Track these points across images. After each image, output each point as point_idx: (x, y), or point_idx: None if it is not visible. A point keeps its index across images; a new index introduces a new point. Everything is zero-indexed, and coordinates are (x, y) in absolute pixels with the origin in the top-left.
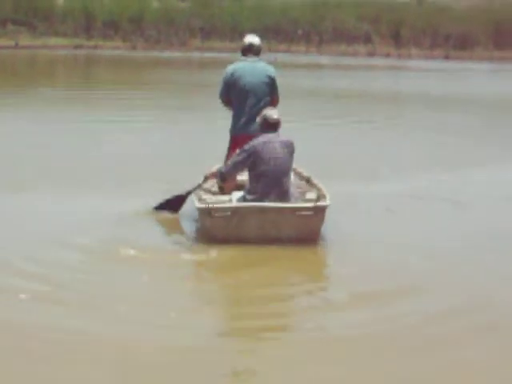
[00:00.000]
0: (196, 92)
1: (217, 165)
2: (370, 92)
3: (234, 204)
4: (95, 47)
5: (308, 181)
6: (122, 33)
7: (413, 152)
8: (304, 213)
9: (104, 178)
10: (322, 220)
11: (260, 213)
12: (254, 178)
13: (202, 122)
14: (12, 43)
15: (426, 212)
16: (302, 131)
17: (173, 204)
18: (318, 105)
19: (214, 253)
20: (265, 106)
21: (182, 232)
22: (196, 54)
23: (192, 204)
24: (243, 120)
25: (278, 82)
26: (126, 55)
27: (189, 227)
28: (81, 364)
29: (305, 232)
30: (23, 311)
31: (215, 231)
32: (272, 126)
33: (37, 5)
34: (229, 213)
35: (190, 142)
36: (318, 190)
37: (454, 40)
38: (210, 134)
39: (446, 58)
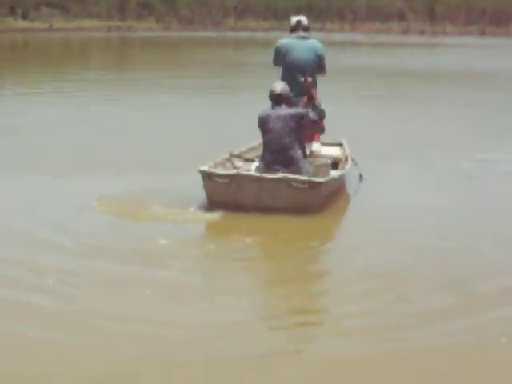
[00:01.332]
0: (232, 72)
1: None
2: (409, 70)
3: (233, 171)
4: (129, 28)
5: (346, 159)
6: (156, 13)
7: (457, 130)
8: (298, 185)
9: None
10: (316, 194)
11: (257, 182)
12: (263, 146)
13: (235, 104)
14: (46, 26)
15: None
16: (347, 109)
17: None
18: (359, 83)
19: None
20: (312, 83)
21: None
22: (230, 34)
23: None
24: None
25: (326, 60)
26: (161, 36)
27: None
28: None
29: (299, 204)
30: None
31: (214, 195)
32: (274, 98)
33: None
34: (227, 179)
35: (222, 122)
36: (342, 169)
37: (489, 16)
38: (243, 115)
39: (482, 34)
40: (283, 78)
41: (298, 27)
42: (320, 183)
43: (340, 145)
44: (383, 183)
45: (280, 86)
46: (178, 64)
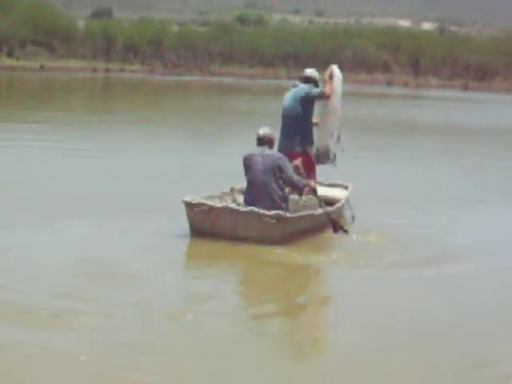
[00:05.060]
0: (215, 119)
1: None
2: (394, 121)
3: (212, 202)
4: (115, 70)
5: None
6: (141, 56)
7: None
8: (267, 220)
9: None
10: (282, 229)
11: (232, 213)
12: (246, 182)
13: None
14: (35, 65)
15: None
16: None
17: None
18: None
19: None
20: (299, 127)
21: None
22: (214, 79)
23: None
24: (282, 138)
25: (314, 90)
26: (145, 78)
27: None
28: None
29: (267, 236)
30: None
31: (194, 223)
32: (259, 140)
33: (57, 26)
34: (206, 208)
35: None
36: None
37: (473, 71)
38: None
39: (465, 88)
40: (281, 125)
41: (304, 78)
42: (287, 218)
43: (346, 188)
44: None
45: (263, 130)
46: (159, 109)
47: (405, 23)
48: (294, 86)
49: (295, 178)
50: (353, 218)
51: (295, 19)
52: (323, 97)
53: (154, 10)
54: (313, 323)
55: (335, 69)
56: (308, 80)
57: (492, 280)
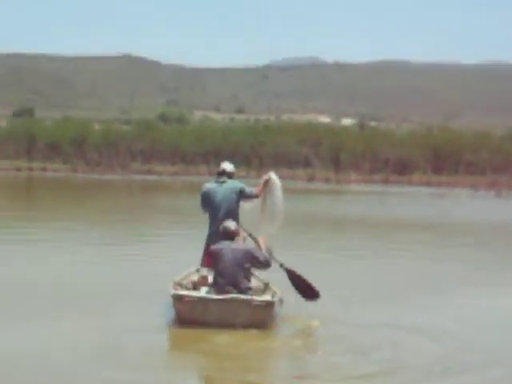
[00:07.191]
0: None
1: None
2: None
3: (201, 294)
4: (37, 169)
5: (266, 286)
6: (64, 155)
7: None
8: (256, 305)
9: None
10: (270, 312)
11: (221, 302)
12: (215, 274)
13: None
14: None
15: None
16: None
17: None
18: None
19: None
20: (233, 216)
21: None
22: (137, 177)
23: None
24: (213, 232)
25: (247, 189)
26: (67, 178)
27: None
28: None
29: (256, 321)
30: None
31: (184, 314)
32: (228, 235)
33: None
34: (196, 300)
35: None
36: (274, 292)
37: (393, 164)
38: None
39: (385, 182)
40: (211, 221)
41: (222, 173)
42: (273, 303)
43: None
44: None
45: (233, 225)
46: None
47: (325, 119)
48: (221, 181)
49: (267, 257)
50: (281, 301)
51: (216, 116)
52: (255, 197)
53: (75, 109)
54: None
55: (273, 176)
56: (230, 175)
57: None
